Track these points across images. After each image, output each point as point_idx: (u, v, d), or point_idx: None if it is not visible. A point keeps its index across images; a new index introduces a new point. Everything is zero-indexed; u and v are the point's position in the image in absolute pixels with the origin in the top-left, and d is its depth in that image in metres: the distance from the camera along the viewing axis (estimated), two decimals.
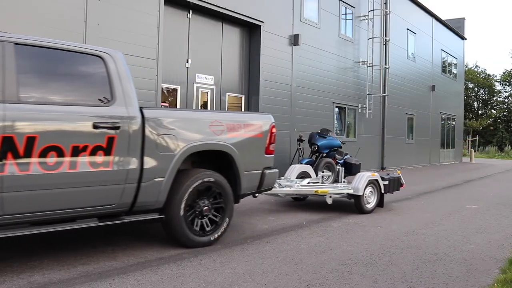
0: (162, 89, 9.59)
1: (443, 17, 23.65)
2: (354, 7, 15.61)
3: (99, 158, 3.89)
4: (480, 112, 50.12)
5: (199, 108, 10.48)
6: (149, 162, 4.21)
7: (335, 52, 14.60)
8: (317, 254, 4.59)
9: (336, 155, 11.84)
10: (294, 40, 12.54)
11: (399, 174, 8.02)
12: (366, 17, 16.09)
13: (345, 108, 15.24)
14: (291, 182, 7.58)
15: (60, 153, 3.68)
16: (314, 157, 11.43)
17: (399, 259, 4.49)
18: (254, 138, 5.17)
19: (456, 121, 25.89)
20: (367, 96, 16.16)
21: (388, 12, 17.06)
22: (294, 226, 6.00)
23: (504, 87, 48.88)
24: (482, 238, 5.60)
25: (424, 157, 21.42)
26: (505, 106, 48.09)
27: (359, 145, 15.21)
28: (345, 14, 15.20)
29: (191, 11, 10.26)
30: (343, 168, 9.30)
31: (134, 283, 3.57)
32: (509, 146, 39.96)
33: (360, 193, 6.96)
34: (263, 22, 11.59)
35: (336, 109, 14.80)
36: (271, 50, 11.90)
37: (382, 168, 17.12)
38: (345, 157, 12.10)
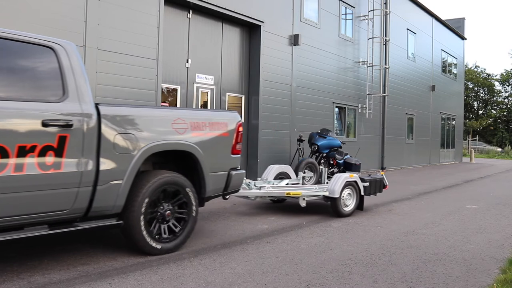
0: (162, 89, 9.59)
1: (443, 17, 23.67)
2: (354, 7, 15.61)
3: (49, 159, 3.54)
4: (480, 112, 50.12)
5: (199, 108, 10.48)
6: (105, 164, 3.90)
7: (335, 52, 14.60)
8: (317, 254, 4.59)
9: (336, 155, 11.85)
10: (294, 40, 12.54)
11: (382, 174, 7.71)
12: (366, 17, 16.09)
13: (345, 108, 15.24)
14: (268, 184, 7.24)
15: (4, 154, 3.30)
16: (314, 157, 11.44)
17: (399, 259, 4.49)
18: (219, 137, 4.92)
19: (456, 121, 25.89)
20: (367, 96, 16.16)
21: (388, 12, 17.06)
22: (294, 226, 6.00)
23: (504, 87, 48.89)
24: (482, 238, 5.60)
25: (424, 157, 21.42)
26: (504, 106, 48.09)
27: (359, 145, 15.22)
28: (345, 14, 15.20)
29: (191, 11, 10.26)
30: (326, 169, 8.88)
31: (134, 283, 3.57)
32: (509, 146, 39.96)
33: (337, 196, 6.55)
34: (263, 22, 11.59)
35: (336, 109, 14.80)
36: (271, 50, 11.90)
37: (382, 168, 17.12)
38: (345, 157, 12.10)
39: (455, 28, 25.28)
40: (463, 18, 27.36)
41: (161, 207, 4.38)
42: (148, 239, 4.22)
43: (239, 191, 5.92)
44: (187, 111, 4.87)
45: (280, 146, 12.27)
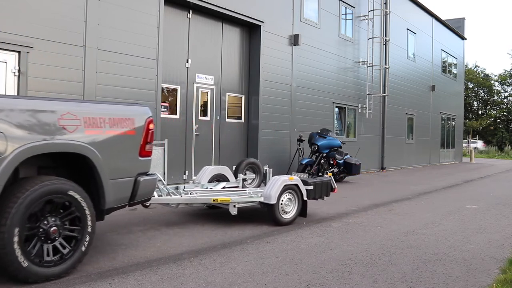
0: (162, 89, 9.59)
1: (443, 17, 23.66)
2: (354, 7, 15.61)
3: None
4: (480, 112, 50.13)
5: (199, 108, 10.48)
6: None
7: (335, 52, 14.60)
8: (317, 254, 4.59)
9: (336, 155, 11.86)
10: (294, 40, 12.54)
11: (329, 176, 7.02)
12: (366, 17, 16.09)
13: (345, 108, 15.24)
14: (202, 187, 6.49)
15: None
16: (314, 157, 11.44)
17: (399, 259, 4.49)
18: (123, 137, 4.12)
19: (456, 121, 25.89)
20: (367, 96, 16.16)
21: (388, 12, 17.06)
22: (294, 226, 5.99)
23: (503, 87, 48.90)
24: (482, 238, 5.60)
25: (424, 157, 21.42)
26: (504, 106, 48.09)
27: (359, 145, 15.22)
28: (345, 14, 15.20)
29: (191, 11, 10.26)
30: (271, 169, 7.92)
31: (134, 283, 3.57)
32: (509, 146, 39.95)
33: (273, 202, 5.75)
34: (263, 22, 11.59)
35: (336, 109, 14.80)
36: (271, 50, 11.90)
37: (382, 168, 17.13)
38: (345, 157, 12.12)
39: (455, 28, 25.28)
40: (463, 18, 27.36)
41: (46, 222, 3.51)
42: (24, 262, 3.34)
43: (159, 198, 5.42)
44: (80, 103, 4.01)
45: (280, 146, 12.27)
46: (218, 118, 10.99)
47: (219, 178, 7.06)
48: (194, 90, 10.37)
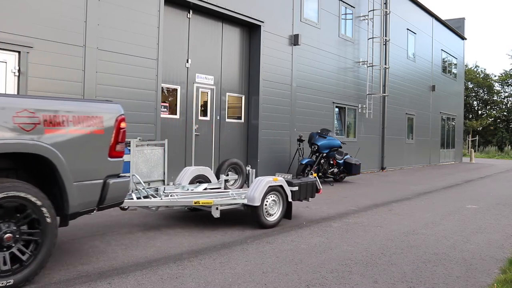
0: (162, 89, 9.59)
1: (443, 17, 23.67)
2: (354, 7, 15.61)
3: None
4: (480, 112, 50.13)
5: (199, 108, 10.49)
6: None
7: (335, 52, 14.60)
8: (317, 254, 4.59)
9: (336, 155, 11.86)
10: (294, 40, 12.54)
11: (314, 177, 6.84)
12: (366, 17, 16.09)
13: (345, 108, 15.24)
14: (183, 189, 6.29)
15: None
16: (314, 157, 11.45)
17: (399, 259, 4.49)
18: (90, 136, 3.83)
19: (456, 121, 25.90)
20: (367, 96, 16.16)
21: (388, 12, 17.06)
22: (294, 226, 6.00)
23: (503, 87, 48.89)
24: (482, 238, 5.60)
25: (424, 157, 21.42)
26: (504, 106, 48.09)
27: (359, 145, 15.22)
28: (345, 14, 15.20)
29: (191, 11, 10.26)
30: (254, 170, 7.57)
31: (134, 283, 3.57)
32: (509, 146, 39.95)
33: (257, 204, 5.55)
34: (263, 22, 11.59)
35: (336, 109, 14.80)
36: (271, 50, 11.90)
37: (382, 168, 17.13)
38: (345, 157, 12.12)
39: (455, 28, 25.29)
40: (463, 18, 27.37)
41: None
42: None
43: (137, 200, 5.25)
44: (39, 100, 3.63)
45: (280, 146, 12.27)
46: (218, 118, 10.99)
47: (200, 179, 6.83)
48: (194, 90, 10.37)
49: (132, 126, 8.59)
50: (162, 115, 9.42)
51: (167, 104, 9.81)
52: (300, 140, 11.71)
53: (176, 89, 10.00)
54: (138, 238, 5.07)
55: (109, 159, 3.99)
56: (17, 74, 6.95)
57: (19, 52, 6.97)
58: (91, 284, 3.52)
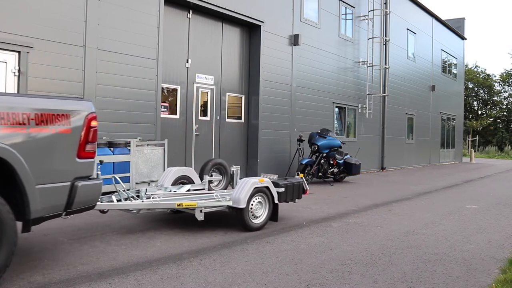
0: (162, 89, 9.59)
1: (443, 17, 23.68)
2: (354, 7, 15.61)
3: None
4: (480, 112, 50.12)
5: (199, 108, 10.48)
6: None
7: (335, 52, 14.60)
8: (317, 254, 4.59)
9: (336, 155, 11.86)
10: (294, 40, 12.54)
11: (301, 178, 6.65)
12: (366, 17, 16.10)
13: (345, 108, 15.24)
14: (165, 190, 6.08)
15: None
16: (314, 157, 11.45)
17: (399, 259, 4.49)
18: (55, 136, 3.55)
19: (456, 121, 25.90)
20: (367, 96, 16.17)
21: (388, 12, 17.06)
22: (294, 226, 6.00)
23: (503, 87, 48.89)
24: (482, 238, 5.60)
25: (424, 157, 21.43)
26: (504, 106, 48.10)
27: (359, 145, 15.22)
28: (345, 14, 15.20)
29: (191, 11, 10.26)
30: (238, 170, 7.29)
31: (134, 283, 3.57)
32: (509, 146, 39.96)
33: (243, 206, 5.37)
34: (263, 22, 11.59)
35: (336, 109, 14.81)
36: (271, 50, 11.90)
37: (382, 168, 17.13)
38: (345, 157, 12.12)
39: (455, 28, 25.29)
40: (463, 18, 27.38)
41: None
42: None
43: (118, 203, 5.03)
44: None
45: (280, 146, 12.28)
46: (218, 118, 10.99)
47: (183, 180, 6.61)
48: (194, 90, 10.37)
49: (132, 126, 8.60)
50: (162, 115, 9.43)
51: (167, 104, 9.81)
52: (300, 140, 11.72)
53: (176, 89, 10.00)
54: (138, 238, 5.07)
55: (77, 160, 3.73)
56: (17, 74, 6.95)
57: (19, 52, 6.97)
58: (91, 284, 3.52)
